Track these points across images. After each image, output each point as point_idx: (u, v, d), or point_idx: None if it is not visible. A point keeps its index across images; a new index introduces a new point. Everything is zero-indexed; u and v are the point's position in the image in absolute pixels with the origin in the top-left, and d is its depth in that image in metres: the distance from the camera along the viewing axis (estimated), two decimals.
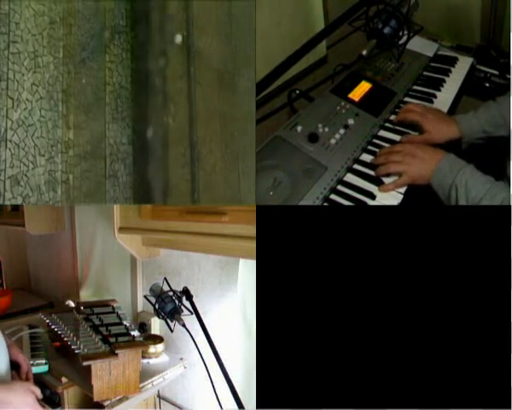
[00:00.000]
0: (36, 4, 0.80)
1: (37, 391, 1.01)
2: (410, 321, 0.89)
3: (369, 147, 1.18)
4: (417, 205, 1.02)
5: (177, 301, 1.16)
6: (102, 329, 1.31)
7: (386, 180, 1.06)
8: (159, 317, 1.17)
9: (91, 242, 1.97)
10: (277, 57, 1.16)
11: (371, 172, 1.09)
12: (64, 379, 1.31)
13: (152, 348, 1.46)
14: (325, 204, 1.02)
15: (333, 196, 1.04)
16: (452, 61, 1.56)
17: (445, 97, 1.38)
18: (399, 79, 1.42)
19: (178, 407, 1.57)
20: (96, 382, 1.16)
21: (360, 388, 0.90)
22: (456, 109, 1.39)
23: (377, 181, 1.06)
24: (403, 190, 1.04)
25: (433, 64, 1.55)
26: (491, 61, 1.61)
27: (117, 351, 1.18)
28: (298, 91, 1.26)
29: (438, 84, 1.43)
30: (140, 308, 1.74)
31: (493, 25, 1.65)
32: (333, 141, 1.14)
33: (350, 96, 1.30)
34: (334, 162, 1.09)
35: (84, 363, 1.14)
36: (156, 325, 1.65)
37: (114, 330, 1.31)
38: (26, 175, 0.80)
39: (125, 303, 1.74)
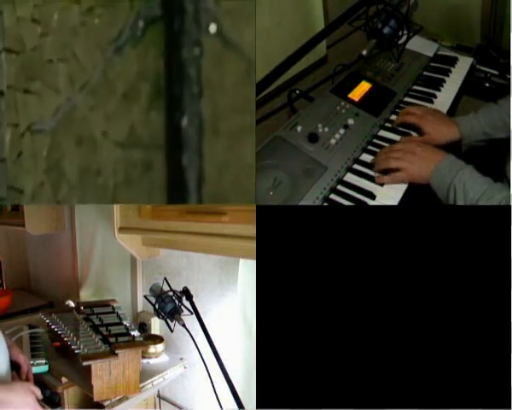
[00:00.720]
0: None
1: (38, 392, 1.01)
2: (410, 321, 0.89)
3: (369, 147, 1.18)
4: (417, 205, 1.02)
5: (177, 301, 1.16)
6: (102, 329, 1.31)
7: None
8: (159, 317, 1.17)
9: (91, 242, 1.97)
10: (277, 57, 1.16)
11: (371, 172, 1.09)
12: (64, 379, 1.31)
13: (152, 348, 1.46)
14: (325, 204, 1.02)
15: (333, 196, 1.04)
16: (452, 61, 1.56)
17: (445, 97, 1.37)
18: (399, 79, 1.42)
19: (178, 407, 1.57)
20: (96, 382, 1.16)
21: (360, 388, 0.90)
22: (456, 109, 1.39)
23: None
24: (403, 189, 1.04)
25: (433, 64, 1.55)
26: (491, 61, 1.61)
27: (117, 351, 1.19)
28: (298, 91, 1.26)
29: (438, 84, 1.43)
30: (140, 308, 1.74)
31: (493, 25, 1.65)
32: (333, 141, 1.14)
33: (350, 96, 1.30)
34: (334, 162, 1.09)
35: (84, 363, 1.14)
36: (156, 325, 1.65)
37: (114, 330, 1.31)
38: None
39: (125, 303, 1.74)
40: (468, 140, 1.16)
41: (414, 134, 1.20)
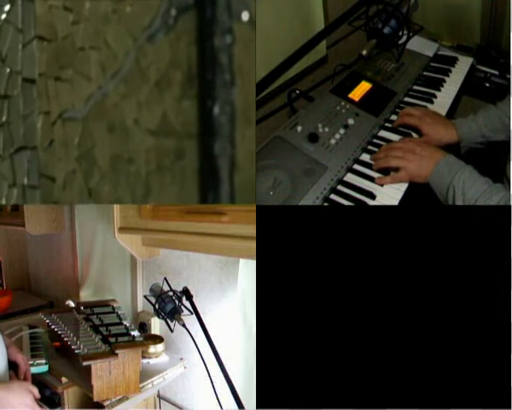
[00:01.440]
0: None
1: (36, 391, 1.01)
2: (411, 321, 0.89)
3: (369, 147, 1.17)
4: (417, 205, 1.02)
5: (177, 301, 1.16)
6: (102, 329, 1.31)
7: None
8: (159, 317, 1.17)
9: (91, 242, 1.97)
10: (277, 57, 1.16)
11: (371, 172, 1.09)
12: (64, 379, 1.31)
13: (152, 348, 1.46)
14: (325, 204, 1.02)
15: (333, 196, 1.04)
16: (452, 61, 1.56)
17: (444, 97, 1.38)
18: (399, 79, 1.42)
19: (178, 407, 1.57)
20: (96, 382, 1.16)
21: (360, 388, 0.90)
22: (456, 109, 1.39)
23: None
24: (403, 189, 1.04)
25: (433, 64, 1.55)
26: (491, 61, 1.61)
27: (117, 351, 1.18)
28: (298, 91, 1.26)
29: (438, 85, 1.43)
30: (140, 308, 1.74)
31: (493, 25, 1.65)
32: (333, 141, 1.14)
33: (350, 96, 1.30)
34: (334, 162, 1.09)
35: (84, 363, 1.14)
36: (156, 325, 1.65)
37: (114, 330, 1.31)
38: None
39: (125, 303, 1.74)
40: (466, 142, 1.16)
41: (413, 135, 1.20)
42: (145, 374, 1.33)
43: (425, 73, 1.49)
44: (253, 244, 0.91)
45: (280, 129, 1.16)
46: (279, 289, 0.91)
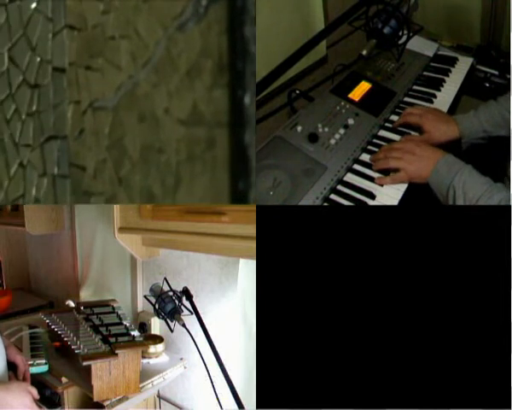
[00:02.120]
0: None
1: (35, 392, 1.00)
2: (411, 321, 0.89)
3: (369, 147, 1.18)
4: (417, 205, 1.02)
5: (177, 301, 1.16)
6: (102, 329, 1.31)
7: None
8: (159, 317, 1.17)
9: (91, 242, 1.97)
10: (277, 57, 1.16)
11: (371, 173, 1.09)
12: (64, 379, 1.31)
13: (152, 348, 1.46)
14: (325, 204, 1.02)
15: (333, 196, 1.04)
16: (452, 61, 1.56)
17: (444, 97, 1.38)
18: (399, 79, 1.42)
19: (178, 407, 1.57)
20: (96, 382, 1.16)
21: (360, 388, 0.90)
22: (456, 109, 1.39)
23: None
24: (403, 189, 1.04)
25: (433, 64, 1.55)
26: (491, 61, 1.61)
27: (117, 351, 1.18)
28: (298, 91, 1.26)
29: (438, 84, 1.43)
30: (140, 308, 1.74)
31: (493, 25, 1.65)
32: (333, 141, 1.14)
33: (350, 96, 1.30)
34: (334, 162, 1.09)
35: (84, 363, 1.14)
36: (156, 325, 1.65)
37: (114, 330, 1.31)
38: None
39: (125, 303, 1.74)
40: (468, 138, 1.16)
41: (414, 133, 1.20)
42: (145, 374, 1.33)
43: (425, 73, 1.49)
44: (253, 244, 0.91)
45: (280, 129, 1.16)
46: (279, 289, 0.91)
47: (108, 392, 1.19)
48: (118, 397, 1.22)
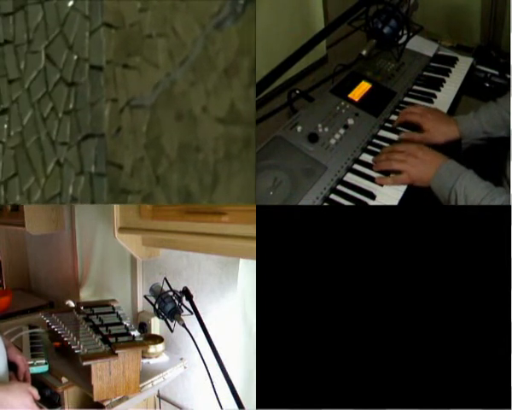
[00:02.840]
0: None
1: (35, 392, 1.00)
2: (410, 321, 0.89)
3: (369, 147, 1.18)
4: (417, 205, 1.02)
5: (177, 301, 1.16)
6: (102, 329, 1.31)
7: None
8: (159, 317, 1.17)
9: (91, 242, 1.97)
10: (277, 57, 1.16)
11: (371, 173, 1.09)
12: (64, 379, 1.31)
13: (152, 348, 1.46)
14: (325, 204, 1.02)
15: (333, 196, 1.04)
16: (452, 61, 1.56)
17: (444, 97, 1.38)
18: (399, 79, 1.42)
19: (178, 407, 1.57)
20: (96, 382, 1.16)
21: (360, 388, 0.90)
22: (456, 109, 1.39)
23: None
24: (402, 189, 1.04)
25: (433, 64, 1.55)
26: (491, 61, 1.61)
27: (117, 351, 1.18)
28: (298, 91, 1.26)
29: (438, 85, 1.43)
30: (140, 308, 1.74)
31: (493, 25, 1.65)
32: (333, 141, 1.14)
33: (350, 96, 1.30)
34: (333, 162, 1.09)
35: (84, 363, 1.14)
36: (156, 325, 1.65)
37: (114, 330, 1.31)
38: None
39: (125, 303, 1.74)
40: (467, 139, 1.16)
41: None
42: (145, 374, 1.33)
43: (425, 73, 1.49)
44: (253, 244, 0.91)
45: (280, 129, 1.16)
46: (279, 289, 0.91)
47: (108, 392, 1.19)
48: (118, 397, 1.22)
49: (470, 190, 0.93)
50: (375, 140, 1.20)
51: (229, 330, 1.33)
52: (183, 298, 1.16)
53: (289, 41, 1.23)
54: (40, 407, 1.09)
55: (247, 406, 0.92)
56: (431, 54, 1.58)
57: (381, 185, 1.05)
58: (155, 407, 1.57)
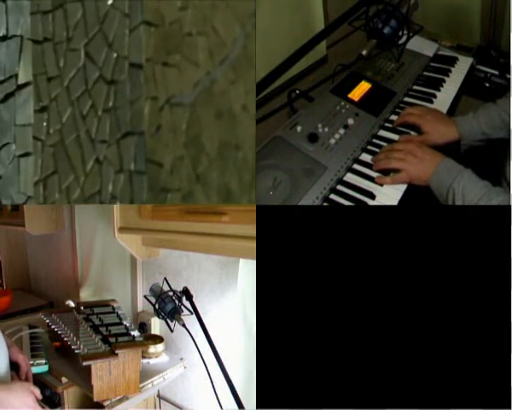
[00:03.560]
0: None
1: (37, 392, 1.00)
2: (410, 321, 0.89)
3: (369, 147, 1.18)
4: (417, 205, 1.02)
5: (177, 301, 1.16)
6: (102, 329, 1.31)
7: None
8: (159, 317, 1.17)
9: (91, 242, 1.97)
10: (277, 57, 1.16)
11: (371, 172, 1.09)
12: (64, 379, 1.31)
13: (152, 348, 1.46)
14: (325, 204, 1.02)
15: (333, 196, 1.04)
16: (452, 61, 1.56)
17: (444, 97, 1.38)
18: (399, 79, 1.42)
19: (178, 407, 1.57)
20: (96, 382, 1.16)
21: (360, 388, 0.90)
22: (455, 109, 1.39)
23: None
24: (402, 189, 1.04)
25: (433, 64, 1.55)
26: (491, 61, 1.61)
27: (117, 351, 1.18)
28: (298, 91, 1.26)
29: (438, 84, 1.43)
30: (140, 308, 1.74)
31: (493, 25, 1.65)
32: (332, 141, 1.14)
33: (350, 96, 1.30)
34: (333, 162, 1.09)
35: (84, 363, 1.14)
36: (156, 325, 1.65)
37: (114, 330, 1.31)
38: None
39: (125, 303, 1.74)
40: (467, 140, 1.16)
41: (413, 133, 1.20)
42: (145, 374, 1.33)
43: (425, 73, 1.49)
44: (253, 244, 0.91)
45: (280, 129, 1.16)
46: (279, 289, 0.91)
47: (108, 392, 1.19)
48: (118, 397, 1.22)
49: (468, 189, 0.93)
50: (374, 140, 1.20)
51: (229, 330, 1.33)
52: (183, 298, 1.16)
53: (289, 41, 1.23)
54: (42, 407, 1.09)
55: (247, 406, 0.92)
56: (431, 54, 1.58)
57: (381, 185, 1.05)
58: (155, 407, 1.57)
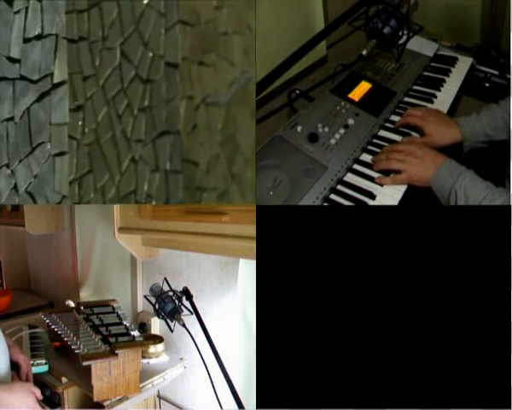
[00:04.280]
0: None
1: (38, 392, 1.00)
2: (410, 321, 0.89)
3: (369, 147, 1.18)
4: (417, 205, 1.02)
5: (177, 301, 1.16)
6: (102, 329, 1.31)
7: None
8: (159, 317, 1.17)
9: (91, 242, 1.97)
10: (277, 57, 1.16)
11: (371, 173, 1.09)
12: (64, 379, 1.31)
13: (152, 348, 1.46)
14: (325, 204, 1.02)
15: (333, 196, 1.04)
16: (452, 61, 1.56)
17: (444, 97, 1.37)
18: (399, 79, 1.42)
19: (178, 407, 1.57)
20: (96, 382, 1.16)
21: (360, 388, 0.90)
22: (456, 109, 1.39)
23: None
24: (403, 189, 1.04)
25: (433, 64, 1.55)
26: (491, 61, 1.61)
27: (117, 351, 1.18)
28: (298, 91, 1.26)
29: (438, 85, 1.43)
30: (140, 308, 1.74)
31: (493, 25, 1.65)
32: (333, 141, 1.14)
33: (350, 96, 1.30)
34: (334, 162, 1.09)
35: (84, 363, 1.14)
36: (156, 325, 1.65)
37: (114, 330, 1.31)
38: None
39: (125, 303, 1.74)
40: (469, 141, 1.15)
41: (414, 134, 1.20)
42: (145, 374, 1.33)
43: (425, 73, 1.49)
44: (253, 244, 0.91)
45: (280, 129, 1.16)
46: (279, 289, 0.91)
47: (108, 392, 1.19)
48: (118, 397, 1.22)
49: (470, 190, 0.92)
50: (375, 140, 1.20)
51: (229, 330, 1.33)
52: (183, 298, 1.16)
53: (289, 41, 1.23)
54: (43, 407, 1.09)
55: (247, 406, 0.92)
56: (431, 54, 1.58)
57: (381, 185, 1.05)
58: (155, 407, 1.57)
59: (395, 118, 1.26)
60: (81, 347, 1.20)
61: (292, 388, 0.90)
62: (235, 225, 1.04)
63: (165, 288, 1.17)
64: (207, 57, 0.82)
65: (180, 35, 0.80)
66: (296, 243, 0.91)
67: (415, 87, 1.42)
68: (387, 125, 1.25)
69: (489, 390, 0.87)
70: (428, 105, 1.33)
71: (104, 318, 1.38)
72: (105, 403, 1.19)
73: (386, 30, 1.18)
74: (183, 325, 1.11)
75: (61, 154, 0.92)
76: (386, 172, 1.07)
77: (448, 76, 1.48)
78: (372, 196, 1.03)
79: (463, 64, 1.55)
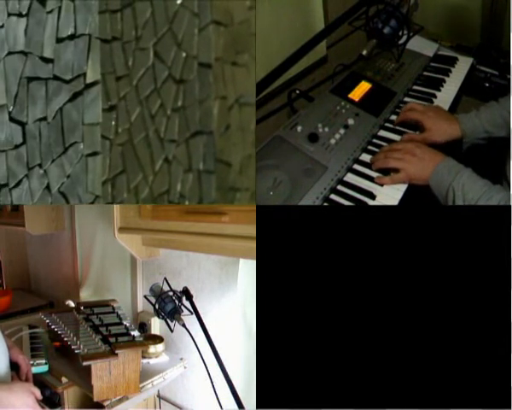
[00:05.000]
0: None
1: (37, 392, 1.00)
2: (410, 321, 0.89)
3: (369, 147, 1.17)
4: (417, 205, 1.02)
5: (177, 301, 1.16)
6: (102, 329, 1.31)
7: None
8: (159, 317, 1.17)
9: (91, 242, 1.97)
10: (277, 57, 1.16)
11: (371, 172, 1.09)
12: (64, 379, 1.31)
13: (152, 348, 1.46)
14: (325, 204, 1.02)
15: (333, 196, 1.04)
16: (452, 61, 1.56)
17: (444, 97, 1.38)
18: (399, 79, 1.42)
19: (178, 407, 1.57)
20: (96, 382, 1.16)
21: (360, 388, 0.90)
22: (456, 109, 1.39)
23: None
24: (403, 189, 1.04)
25: (433, 64, 1.55)
26: (492, 61, 1.61)
27: (117, 351, 1.18)
28: (298, 91, 1.26)
29: (438, 84, 1.43)
30: (140, 308, 1.74)
31: (493, 25, 1.65)
32: (333, 141, 1.14)
33: (350, 96, 1.30)
34: (334, 162, 1.09)
35: (84, 363, 1.14)
36: (156, 325, 1.65)
37: (114, 330, 1.31)
38: None
39: (125, 303, 1.74)
40: (469, 138, 1.16)
41: (415, 133, 1.20)
42: (145, 374, 1.33)
43: (425, 73, 1.49)
44: (253, 244, 0.91)
45: (280, 129, 1.16)
46: (279, 289, 0.91)
47: (108, 392, 1.19)
48: (118, 397, 1.22)
49: (468, 187, 0.93)
50: (375, 140, 1.20)
51: (229, 330, 1.33)
52: (183, 298, 1.16)
53: (289, 41, 1.23)
54: (42, 407, 1.09)
55: (247, 406, 0.92)
56: (431, 54, 1.58)
57: (381, 185, 1.05)
58: (155, 407, 1.57)
59: (395, 118, 1.26)
60: (81, 347, 1.20)
61: (292, 388, 0.90)
62: (235, 225, 1.04)
63: (165, 288, 1.17)
64: (240, 57, 0.82)
65: (213, 35, 0.80)
66: (296, 243, 0.91)
67: (415, 87, 1.42)
68: (387, 125, 1.25)
69: (489, 390, 0.86)
70: (429, 105, 1.33)
71: (104, 318, 1.38)
72: (105, 403, 1.19)
73: (387, 30, 1.18)
74: (183, 325, 1.11)
75: (94, 154, 0.93)
76: (385, 172, 1.08)
77: (448, 76, 1.48)
78: (372, 196, 1.03)
79: (463, 64, 1.55)
